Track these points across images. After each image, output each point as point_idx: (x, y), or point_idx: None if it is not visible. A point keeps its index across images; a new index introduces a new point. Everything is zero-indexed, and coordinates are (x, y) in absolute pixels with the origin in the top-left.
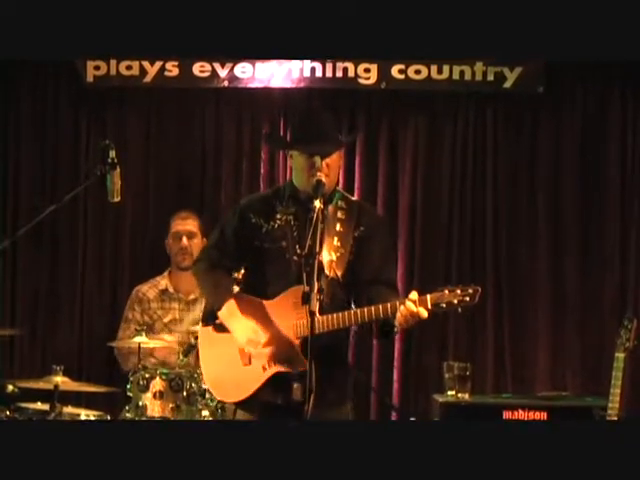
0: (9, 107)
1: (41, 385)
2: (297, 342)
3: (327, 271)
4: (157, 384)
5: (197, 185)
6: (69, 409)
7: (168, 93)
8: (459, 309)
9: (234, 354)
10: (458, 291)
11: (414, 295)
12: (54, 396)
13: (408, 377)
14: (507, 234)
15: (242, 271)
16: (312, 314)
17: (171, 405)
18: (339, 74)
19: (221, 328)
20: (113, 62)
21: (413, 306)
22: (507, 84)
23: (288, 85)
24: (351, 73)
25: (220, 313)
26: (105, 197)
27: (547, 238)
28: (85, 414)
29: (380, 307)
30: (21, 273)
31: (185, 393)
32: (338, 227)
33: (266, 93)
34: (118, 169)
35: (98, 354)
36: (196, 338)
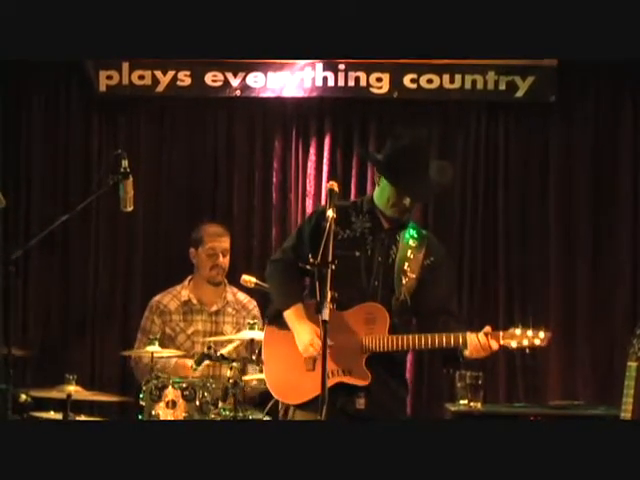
0: (21, 115)
1: (54, 394)
2: (364, 356)
3: (398, 294)
4: (170, 393)
5: (209, 194)
6: (82, 418)
7: (180, 102)
8: (527, 350)
9: (299, 358)
10: (530, 333)
11: (488, 329)
12: (67, 405)
13: (420, 386)
14: (518, 243)
15: None
16: (324, 323)
17: (184, 414)
18: (351, 83)
19: (285, 327)
20: (125, 71)
21: (485, 339)
22: (519, 93)
23: (300, 94)
24: (363, 82)
25: (286, 314)
26: (117, 206)
27: (558, 246)
28: None
29: (450, 336)
30: (33, 282)
31: (198, 402)
32: (409, 254)
33: (278, 102)
34: (131, 178)
35: (111, 363)
36: (209, 348)
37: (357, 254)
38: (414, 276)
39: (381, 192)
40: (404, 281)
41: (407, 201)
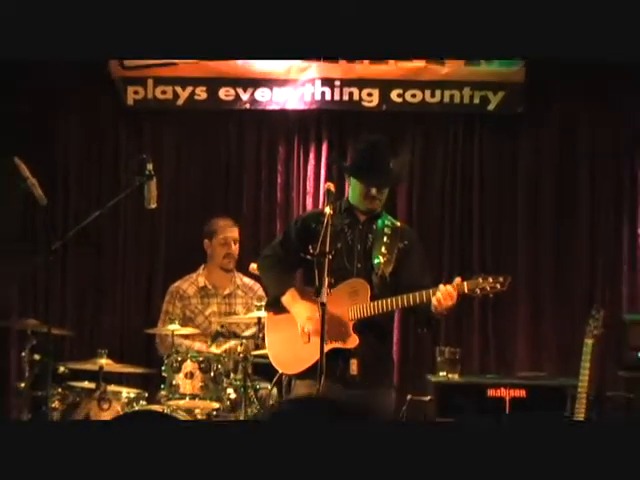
0: (59, 125)
1: (88, 366)
2: (350, 323)
3: (377, 270)
4: (188, 365)
5: (222, 193)
6: (112, 387)
7: (197, 114)
8: (491, 295)
9: (296, 335)
10: (490, 279)
11: (457, 280)
12: (99, 376)
13: (406, 361)
14: (491, 235)
15: None
16: (323, 305)
17: (200, 384)
18: (345, 97)
19: (282, 311)
20: (150, 87)
21: (450, 287)
22: (491, 106)
23: (301, 107)
24: (356, 97)
25: (283, 298)
26: (143, 204)
27: (526, 239)
28: (126, 391)
29: (417, 293)
30: (70, 269)
31: (212, 374)
32: (385, 239)
33: (282, 114)
34: (154, 179)
35: (137, 339)
36: (222, 327)
37: (339, 245)
38: (391, 257)
39: (353, 190)
40: (382, 260)
41: (373, 190)
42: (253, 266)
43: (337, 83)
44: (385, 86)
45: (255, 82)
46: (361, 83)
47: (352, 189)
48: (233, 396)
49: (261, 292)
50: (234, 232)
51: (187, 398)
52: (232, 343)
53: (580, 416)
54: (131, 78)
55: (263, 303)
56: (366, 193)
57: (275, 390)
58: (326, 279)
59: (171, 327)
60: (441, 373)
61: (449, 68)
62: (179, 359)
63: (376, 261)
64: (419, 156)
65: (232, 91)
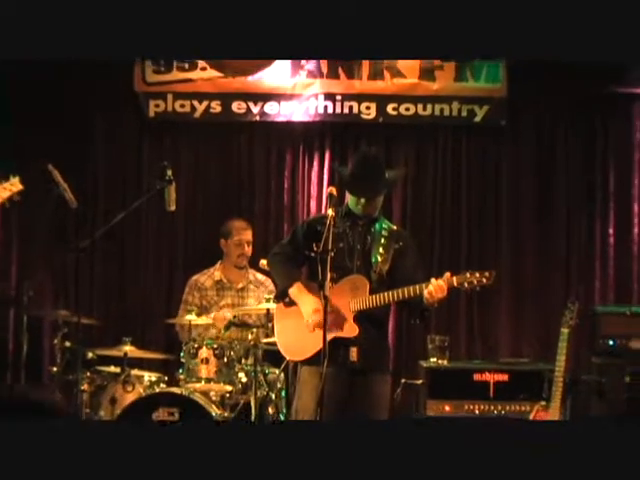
0: (88, 137)
1: (114, 353)
2: (352, 314)
3: (375, 268)
4: (204, 352)
5: (235, 197)
6: (135, 371)
7: (212, 125)
8: (477, 288)
9: (302, 325)
10: (477, 274)
11: (447, 274)
12: (124, 361)
13: (400, 348)
14: (478, 236)
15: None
16: (326, 298)
17: (215, 369)
18: (346, 110)
19: (290, 303)
20: (170, 101)
21: (441, 281)
22: (477, 118)
23: (306, 119)
24: (355, 110)
25: (291, 291)
26: (163, 207)
27: (509, 239)
28: (148, 375)
29: (411, 287)
30: (98, 266)
31: (226, 359)
32: (382, 241)
33: (289, 125)
34: (174, 184)
35: (158, 328)
36: (234, 317)
37: (341, 245)
38: (388, 257)
39: (350, 198)
40: (380, 259)
41: (362, 200)
42: (263, 262)
43: (338, 97)
44: (382, 100)
45: (264, 97)
46: (360, 98)
47: (350, 197)
48: (244, 380)
49: (272, 287)
50: (248, 234)
51: (203, 381)
52: (242, 333)
53: (557, 397)
54: (153, 93)
55: (271, 296)
56: (357, 201)
57: (282, 375)
58: (328, 274)
59: (188, 317)
60: (432, 359)
61: (440, 84)
62: (196, 346)
63: (374, 260)
64: (412, 164)
65: (244, 105)
